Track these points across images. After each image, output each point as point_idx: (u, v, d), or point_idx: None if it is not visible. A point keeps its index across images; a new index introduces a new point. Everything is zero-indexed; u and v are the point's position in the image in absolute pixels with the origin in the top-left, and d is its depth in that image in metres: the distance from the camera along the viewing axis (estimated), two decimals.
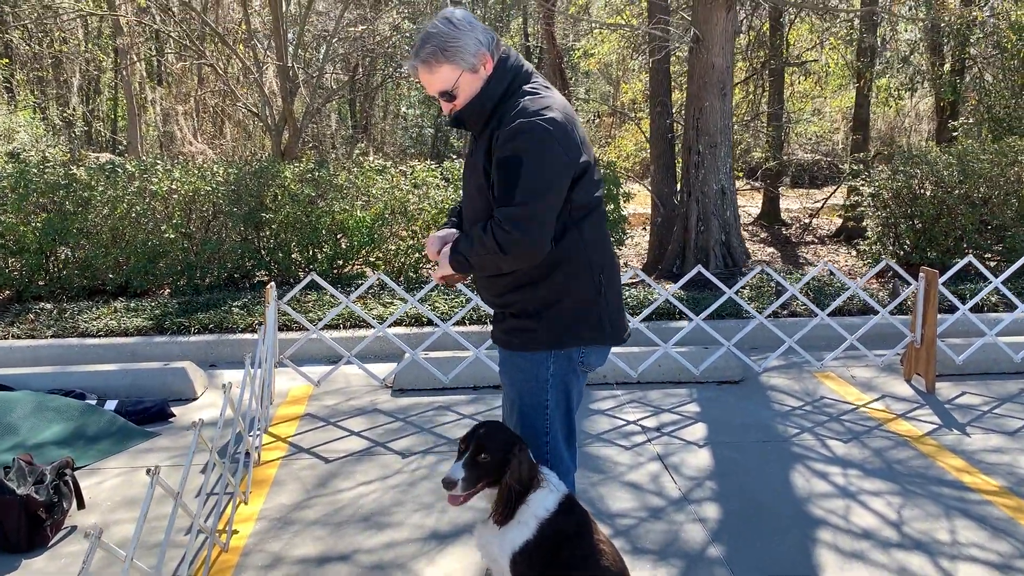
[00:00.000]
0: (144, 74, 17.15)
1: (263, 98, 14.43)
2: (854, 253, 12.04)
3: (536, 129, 2.39)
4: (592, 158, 2.58)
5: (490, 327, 3.85)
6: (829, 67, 19.36)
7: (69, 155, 15.41)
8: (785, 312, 6.70)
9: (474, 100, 2.53)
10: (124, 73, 14.90)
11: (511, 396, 2.71)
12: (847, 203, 13.38)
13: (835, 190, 16.80)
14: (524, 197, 2.38)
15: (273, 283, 4.99)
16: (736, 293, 6.78)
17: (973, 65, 16.41)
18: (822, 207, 16.62)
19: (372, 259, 7.87)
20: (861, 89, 14.96)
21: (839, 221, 15.06)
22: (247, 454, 3.97)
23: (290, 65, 13.70)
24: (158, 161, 8.00)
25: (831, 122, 25.57)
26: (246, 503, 3.76)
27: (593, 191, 2.58)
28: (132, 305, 6.76)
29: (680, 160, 12.96)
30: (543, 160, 2.39)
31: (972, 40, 15.69)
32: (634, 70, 18.87)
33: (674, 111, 13.83)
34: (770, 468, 4.12)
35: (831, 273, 8.28)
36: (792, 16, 16.76)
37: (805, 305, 6.87)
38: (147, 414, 4.90)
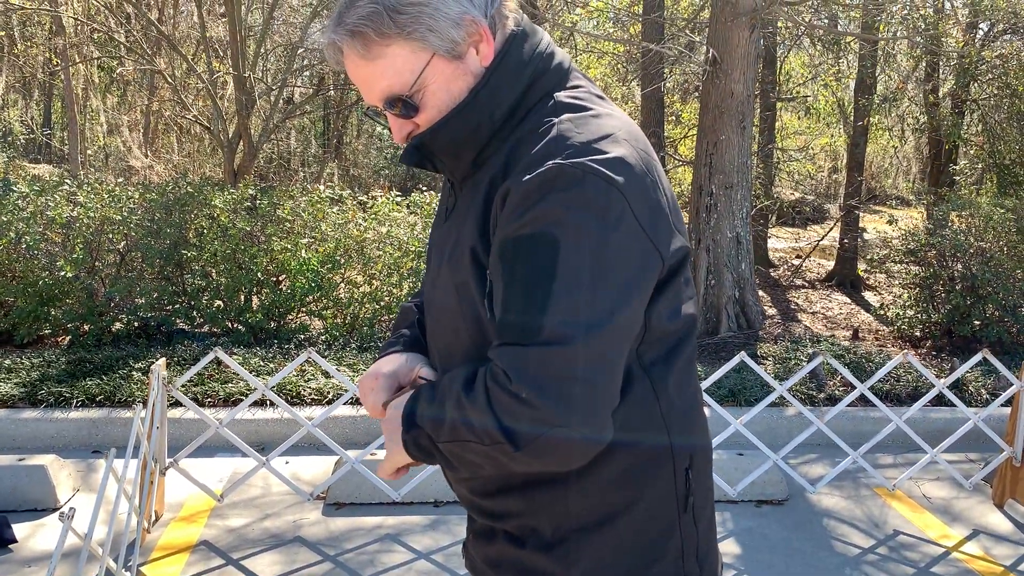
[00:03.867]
0: (92, 79, 15.71)
1: (216, 111, 13.07)
2: (849, 301, 10.95)
3: (590, 181, 1.12)
4: (687, 237, 1.30)
5: None
6: (820, 103, 18.53)
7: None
8: (821, 396, 5.46)
9: (456, 115, 1.25)
10: (63, 77, 13.47)
11: None
12: (847, 246, 12.35)
13: (828, 232, 15.81)
14: (563, 325, 1.09)
15: (162, 361, 3.63)
16: (762, 366, 5.53)
17: (976, 108, 15.55)
18: (813, 249, 15.61)
19: (319, 308, 6.51)
20: (859, 128, 13.94)
21: (829, 264, 14.07)
22: None
23: (247, 75, 12.38)
24: (66, 180, 6.62)
25: (819, 161, 24.75)
26: None
27: (684, 304, 1.29)
28: (7, 363, 5.34)
29: (679, 201, 11.84)
30: (605, 246, 1.11)
31: (977, 79, 14.77)
32: (618, 99, 17.84)
33: (666, 144, 12.70)
34: None
35: (870, 339, 7.09)
36: (786, 50, 15.85)
37: (845, 383, 5.64)
38: None
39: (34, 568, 3.35)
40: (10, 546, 3.53)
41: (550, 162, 1.13)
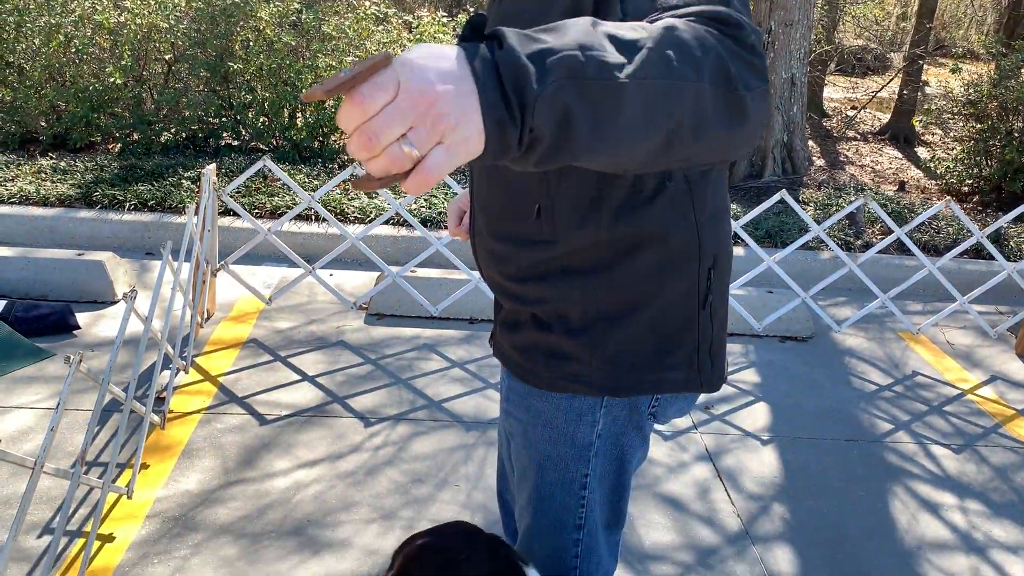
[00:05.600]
0: None
1: None
2: (901, 156, 10.67)
3: None
4: None
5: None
6: None
7: None
8: (859, 243, 5.47)
9: None
10: None
11: (524, 459, 1.54)
12: (906, 98, 11.89)
13: (888, 82, 15.16)
14: (744, 7, 1.02)
15: (212, 167, 3.73)
16: (810, 216, 5.52)
17: None
18: (871, 99, 15.02)
19: None
20: None
21: (885, 117, 13.58)
22: (153, 418, 2.84)
23: None
24: None
25: (887, 6, 23.39)
26: (130, 497, 2.66)
27: None
28: (63, 165, 5.51)
29: None
30: None
31: None
32: None
33: None
34: (859, 489, 3.02)
35: (915, 191, 6.98)
36: None
37: (883, 231, 5.63)
38: (43, 323, 3.76)
39: (97, 352, 3.61)
40: (74, 332, 3.79)
41: None
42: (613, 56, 0.77)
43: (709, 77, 0.83)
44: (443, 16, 6.83)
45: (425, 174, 0.70)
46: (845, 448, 3.29)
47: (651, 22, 0.91)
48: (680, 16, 0.91)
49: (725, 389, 3.70)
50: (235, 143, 6.48)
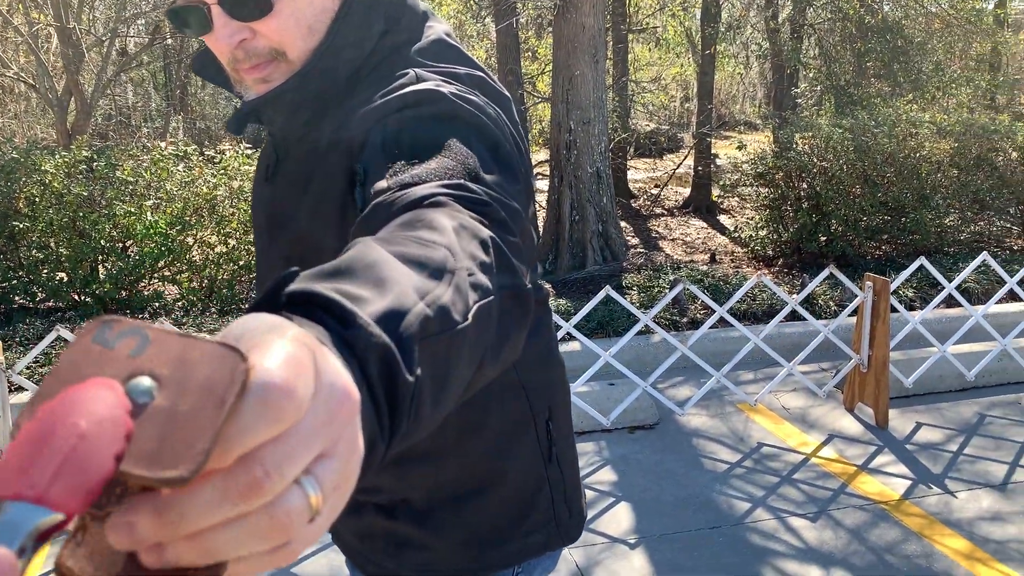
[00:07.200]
0: None
1: (41, 67, 12.05)
2: (706, 225, 11.38)
3: (455, 101, 0.96)
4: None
5: None
6: (669, 34, 18.93)
7: None
8: (684, 320, 5.66)
9: (308, 71, 1.04)
10: None
11: None
12: (701, 173, 12.80)
13: (682, 160, 16.29)
14: (510, 185, 0.89)
15: None
16: (627, 297, 5.66)
17: (813, 32, 16.25)
18: (670, 178, 16.05)
19: (173, 273, 6.18)
20: (707, 57, 14.38)
21: (685, 191, 14.51)
22: None
23: (72, 27, 11.44)
24: None
25: (671, 91, 25.33)
26: None
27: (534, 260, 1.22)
28: None
29: (540, 138, 11.85)
30: (500, 145, 0.95)
31: (812, 4, 15.41)
32: (472, 36, 17.60)
33: (524, 82, 12.67)
34: None
35: (727, 261, 7.39)
36: None
37: (706, 307, 5.87)
38: None
39: None
40: None
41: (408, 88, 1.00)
42: (445, 294, 0.59)
43: (499, 281, 0.68)
44: (247, 148, 6.67)
45: (299, 545, 0.38)
46: (710, 537, 3.27)
47: (399, 202, 0.77)
48: (430, 196, 0.76)
49: (587, 493, 3.63)
50: (29, 305, 5.95)
